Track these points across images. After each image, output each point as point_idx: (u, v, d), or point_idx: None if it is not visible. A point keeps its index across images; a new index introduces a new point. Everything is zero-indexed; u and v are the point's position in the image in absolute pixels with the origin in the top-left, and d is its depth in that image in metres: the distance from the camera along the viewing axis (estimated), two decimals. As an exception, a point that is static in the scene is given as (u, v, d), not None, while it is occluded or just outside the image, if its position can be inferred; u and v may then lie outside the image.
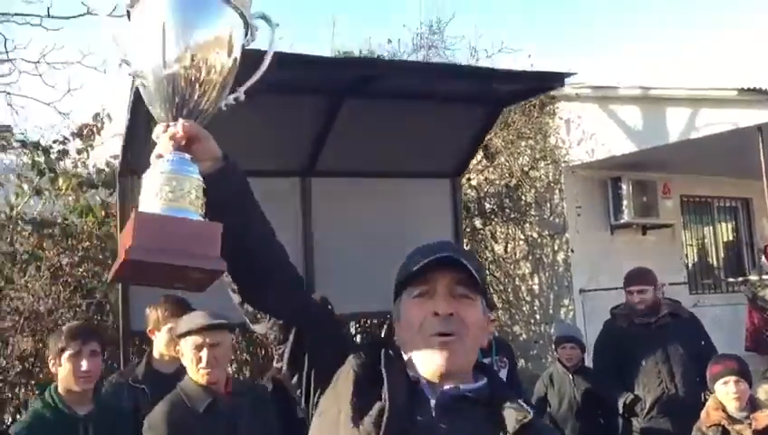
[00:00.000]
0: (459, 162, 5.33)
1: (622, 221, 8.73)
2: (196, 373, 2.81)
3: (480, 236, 8.98)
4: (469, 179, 8.61)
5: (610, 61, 27.87)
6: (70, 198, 6.30)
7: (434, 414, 1.32)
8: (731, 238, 10.37)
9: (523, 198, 9.00)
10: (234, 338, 3.26)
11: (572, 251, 8.60)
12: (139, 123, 3.79)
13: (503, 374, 4.42)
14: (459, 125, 4.93)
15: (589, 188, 8.83)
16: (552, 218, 8.93)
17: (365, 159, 4.77)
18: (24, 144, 6.34)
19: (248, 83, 1.53)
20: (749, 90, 6.90)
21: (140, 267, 1.30)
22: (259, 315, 1.47)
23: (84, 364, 2.74)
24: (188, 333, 2.84)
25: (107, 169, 6.35)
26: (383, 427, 1.24)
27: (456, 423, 1.31)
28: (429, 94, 4.49)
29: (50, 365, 2.85)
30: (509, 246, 9.30)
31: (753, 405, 3.52)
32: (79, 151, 6.42)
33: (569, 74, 4.50)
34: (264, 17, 1.53)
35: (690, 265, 9.80)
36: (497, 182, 9.06)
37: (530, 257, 9.17)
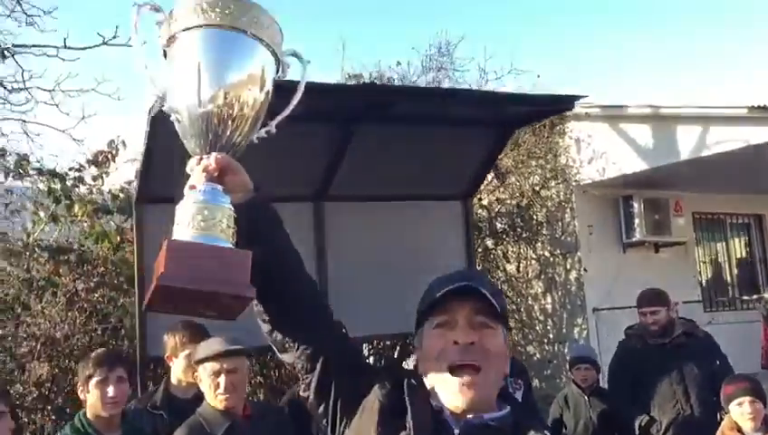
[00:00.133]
0: (470, 184, 5.35)
1: (634, 239, 8.73)
2: (215, 399, 2.84)
3: (492, 255, 8.99)
4: (480, 199, 8.64)
5: (620, 80, 27.96)
6: (85, 225, 6.37)
7: None
8: (744, 255, 10.33)
9: (534, 217, 9.02)
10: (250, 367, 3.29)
11: (585, 270, 8.59)
12: (156, 152, 3.85)
13: (518, 396, 4.41)
14: (470, 148, 4.97)
15: (600, 207, 8.84)
16: (563, 237, 8.94)
17: (377, 183, 4.81)
18: (40, 172, 6.43)
19: (279, 117, 1.58)
20: (759, 107, 6.92)
21: (172, 294, 1.33)
22: (287, 345, 1.49)
23: (111, 390, 2.81)
24: (206, 359, 2.87)
25: (121, 196, 6.43)
26: None
27: None
28: (440, 118, 4.53)
29: (78, 392, 2.92)
30: (521, 265, 9.31)
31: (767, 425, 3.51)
32: (94, 178, 6.51)
33: (578, 97, 4.52)
34: (296, 54, 1.59)
35: (704, 282, 9.77)
36: (508, 202, 9.09)
37: (542, 276, 9.17)
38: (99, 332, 6.00)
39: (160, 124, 3.49)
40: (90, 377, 2.83)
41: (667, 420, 4.28)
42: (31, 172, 6.47)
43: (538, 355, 9.14)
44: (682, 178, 8.41)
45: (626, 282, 7.78)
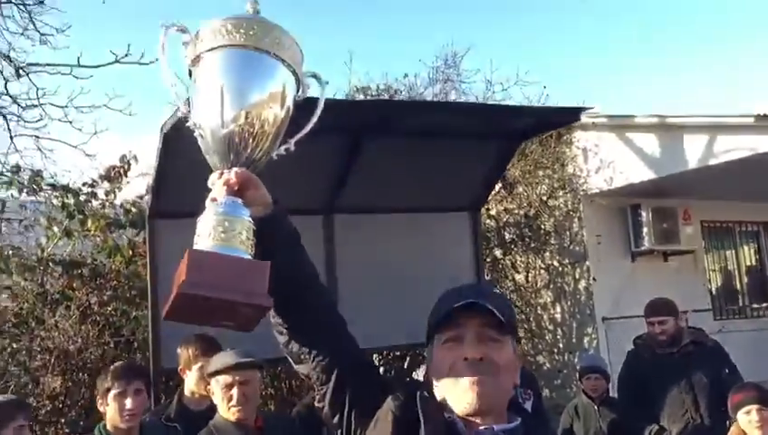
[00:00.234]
0: (478, 196, 5.40)
1: (643, 248, 8.73)
2: (227, 411, 2.89)
3: (501, 265, 9.01)
4: (488, 209, 8.67)
5: (626, 89, 27.96)
6: (98, 239, 6.44)
7: None
8: (754, 263, 10.31)
9: (542, 226, 9.04)
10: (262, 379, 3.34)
11: (594, 279, 8.60)
12: (168, 168, 3.92)
13: (527, 406, 4.43)
14: (477, 160, 5.01)
15: (608, 216, 8.85)
16: (572, 247, 8.95)
17: (385, 195, 4.86)
18: (53, 187, 6.52)
19: (298, 136, 1.64)
20: (766, 116, 6.93)
21: (192, 303, 1.38)
22: (303, 356, 1.52)
23: (129, 403, 2.89)
24: (218, 372, 2.93)
25: (133, 210, 6.50)
26: None
27: None
28: (446, 131, 4.57)
29: (98, 404, 3.00)
30: (530, 275, 9.32)
31: None
32: (107, 193, 6.59)
33: (584, 108, 4.56)
34: (315, 76, 1.66)
35: (714, 290, 9.75)
36: (516, 212, 9.12)
37: (551, 286, 9.18)
38: (112, 345, 6.05)
39: (172, 141, 3.56)
40: (108, 390, 2.92)
41: (677, 430, 4.29)
42: (44, 188, 6.55)
43: (548, 365, 9.14)
44: (690, 187, 8.42)
45: (635, 291, 7.78)
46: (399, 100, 8.66)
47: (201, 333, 3.45)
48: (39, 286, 6.16)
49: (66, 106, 7.29)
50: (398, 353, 7.31)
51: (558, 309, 9.12)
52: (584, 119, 8.02)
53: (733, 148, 7.28)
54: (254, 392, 2.98)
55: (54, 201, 6.57)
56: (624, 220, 8.86)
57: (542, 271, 9.24)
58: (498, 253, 9.02)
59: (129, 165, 6.66)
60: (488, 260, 8.53)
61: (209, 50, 1.52)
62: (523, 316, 9.23)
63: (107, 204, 6.65)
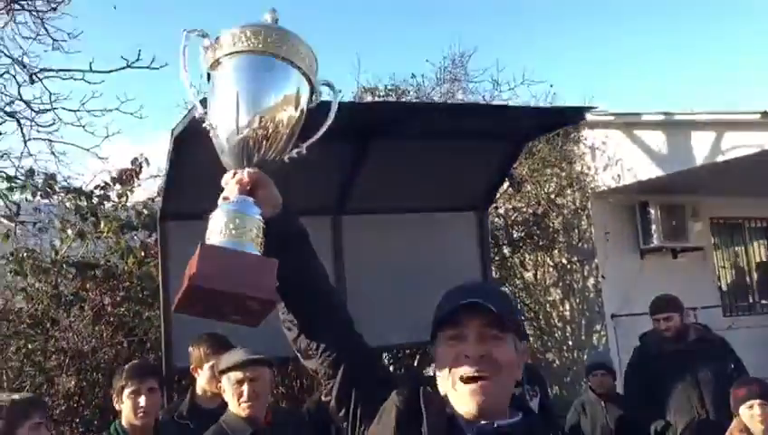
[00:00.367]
0: (485, 195, 5.45)
1: (652, 245, 8.71)
2: (238, 407, 2.95)
3: (509, 263, 9.05)
4: (496, 208, 8.70)
5: (633, 86, 27.88)
6: (111, 241, 6.53)
7: None
8: (764, 259, 10.26)
9: (550, 225, 9.05)
10: (272, 377, 3.41)
11: (603, 277, 8.60)
12: (178, 171, 4.00)
13: (534, 404, 4.48)
14: (483, 160, 5.06)
15: (617, 214, 8.85)
16: (580, 244, 8.96)
17: (393, 195, 4.91)
18: (67, 190, 6.61)
19: (310, 140, 1.69)
20: (772, 113, 6.92)
21: (201, 296, 1.43)
22: (311, 352, 1.58)
23: (143, 400, 2.98)
24: (229, 369, 2.99)
25: (145, 212, 6.58)
26: None
27: None
28: (452, 132, 4.63)
29: (113, 402, 3.09)
30: (538, 273, 9.35)
31: None
32: (119, 196, 6.68)
33: (589, 108, 4.62)
34: (328, 84, 1.72)
35: (723, 287, 9.72)
36: (524, 210, 9.14)
37: (560, 284, 9.20)
38: (125, 345, 6.13)
39: (183, 144, 3.64)
40: (123, 388, 3.01)
41: (683, 425, 4.34)
42: (58, 191, 6.65)
43: (557, 362, 9.17)
44: (698, 184, 8.41)
45: (644, 288, 7.77)
46: (406, 101, 8.69)
47: (212, 332, 3.52)
48: (53, 288, 6.25)
49: (78, 110, 7.39)
50: (407, 352, 7.36)
51: (567, 307, 9.13)
52: (591, 116, 8.05)
53: (740, 144, 7.28)
54: (264, 389, 3.03)
55: (68, 204, 6.67)
56: (632, 217, 8.85)
57: (551, 269, 9.27)
58: (507, 251, 9.05)
59: (141, 167, 6.75)
60: (497, 258, 8.57)
61: (228, 54, 1.58)
62: (532, 314, 9.26)
63: (119, 206, 6.74)
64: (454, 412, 1.45)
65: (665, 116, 7.95)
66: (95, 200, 6.54)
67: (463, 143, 4.74)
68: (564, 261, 9.12)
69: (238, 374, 2.95)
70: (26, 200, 6.67)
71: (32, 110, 7.21)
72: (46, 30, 6.95)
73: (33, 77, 6.85)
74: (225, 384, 3.01)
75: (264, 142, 1.57)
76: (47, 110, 7.21)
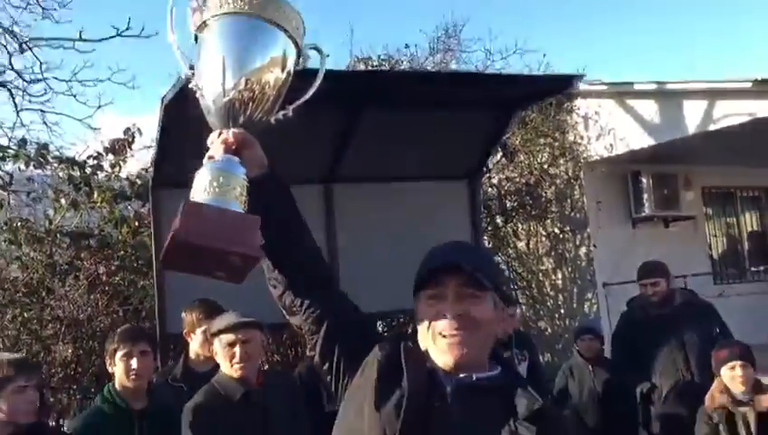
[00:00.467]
0: (476, 164, 5.47)
1: (643, 215, 8.76)
2: (230, 368, 3.00)
3: (502, 233, 9.10)
4: (489, 178, 8.73)
5: (625, 54, 27.74)
6: (104, 211, 6.56)
7: (449, 400, 1.44)
8: (755, 228, 10.33)
9: (543, 194, 9.08)
10: (264, 340, 3.46)
11: (595, 246, 8.67)
12: (169, 139, 4.01)
13: (522, 368, 4.55)
14: (474, 129, 5.07)
15: (609, 183, 8.88)
16: (572, 214, 9.01)
17: (385, 164, 4.94)
18: (60, 160, 6.62)
19: (296, 103, 1.70)
20: (764, 81, 6.94)
21: (186, 251, 1.45)
22: (295, 308, 1.62)
23: (134, 363, 3.02)
24: (222, 331, 3.04)
25: (139, 182, 6.60)
26: (402, 411, 1.39)
27: (470, 409, 1.44)
28: (443, 100, 4.63)
29: (107, 365, 3.13)
30: (531, 242, 9.41)
31: (756, 388, 3.63)
32: (112, 166, 6.69)
33: (579, 76, 4.63)
34: (316, 48, 1.73)
35: (714, 256, 9.81)
36: (517, 180, 9.16)
37: (552, 253, 9.27)
38: (120, 313, 6.20)
39: (173, 112, 3.65)
40: (115, 351, 3.05)
41: (668, 387, 4.41)
42: (51, 160, 6.65)
43: (549, 330, 9.27)
44: (690, 153, 8.43)
45: (636, 257, 7.76)
46: (398, 70, 8.67)
47: (205, 298, 3.58)
48: (48, 257, 6.29)
49: (70, 80, 7.39)
50: (401, 319, 7.43)
51: (559, 275, 9.22)
52: (584, 86, 8.05)
53: (732, 113, 7.29)
54: (256, 351, 3.08)
55: (61, 174, 6.68)
56: (624, 187, 8.89)
57: (544, 238, 9.33)
58: (499, 221, 9.10)
59: (134, 138, 6.75)
60: (489, 228, 8.62)
61: (215, 16, 1.59)
62: (525, 283, 9.35)
63: (112, 176, 6.76)
64: (434, 366, 1.49)
65: (657, 85, 7.96)
66: (88, 170, 6.55)
67: (454, 112, 4.75)
68: (557, 230, 9.18)
69: (230, 336, 3.00)
70: (19, 170, 6.68)
71: (23, 79, 7.21)
72: (36, -1, 6.90)
73: (24, 45, 6.82)
74: (217, 346, 3.06)
75: (251, 104, 1.59)
76: (39, 80, 7.21)
